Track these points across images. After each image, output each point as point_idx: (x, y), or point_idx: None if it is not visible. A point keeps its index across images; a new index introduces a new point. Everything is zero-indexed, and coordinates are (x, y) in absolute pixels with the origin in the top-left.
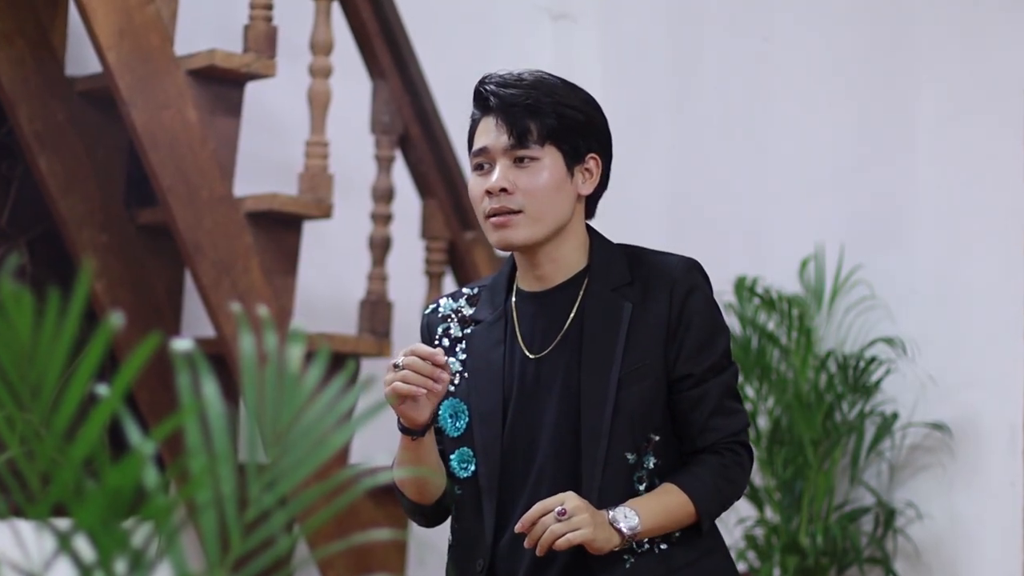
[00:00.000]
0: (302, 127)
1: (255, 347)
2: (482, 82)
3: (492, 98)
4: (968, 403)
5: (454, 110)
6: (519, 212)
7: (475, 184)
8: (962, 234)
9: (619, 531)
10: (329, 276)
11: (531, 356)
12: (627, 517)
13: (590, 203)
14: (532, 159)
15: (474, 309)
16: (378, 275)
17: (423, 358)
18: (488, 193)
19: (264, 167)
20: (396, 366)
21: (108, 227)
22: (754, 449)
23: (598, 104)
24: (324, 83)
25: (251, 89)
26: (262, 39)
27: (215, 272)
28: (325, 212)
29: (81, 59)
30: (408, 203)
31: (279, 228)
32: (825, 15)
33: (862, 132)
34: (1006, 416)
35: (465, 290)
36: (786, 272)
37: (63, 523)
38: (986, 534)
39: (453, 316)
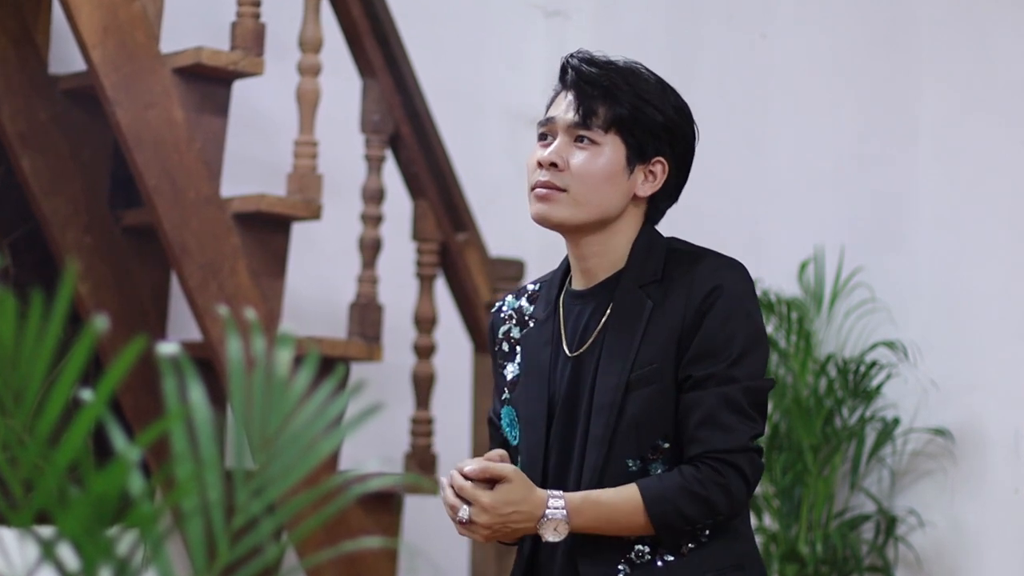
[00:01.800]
0: (290, 126)
1: (242, 351)
2: (570, 55)
3: (571, 72)
4: (971, 408)
5: (446, 109)
6: (563, 191)
7: (533, 154)
8: (965, 236)
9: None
10: (318, 278)
11: (569, 355)
12: (557, 531)
13: (655, 209)
14: (592, 142)
15: (533, 307)
16: (368, 277)
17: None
18: (540, 165)
19: (252, 167)
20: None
21: (92, 228)
22: (754, 470)
23: (690, 115)
24: (313, 81)
25: (238, 88)
26: (250, 36)
27: (201, 274)
28: (314, 213)
29: (65, 57)
30: (399, 204)
31: (267, 229)
32: (824, 11)
33: (862, 131)
34: (1010, 421)
35: (529, 286)
36: (785, 274)
37: (47, 531)
38: (989, 542)
39: (513, 316)
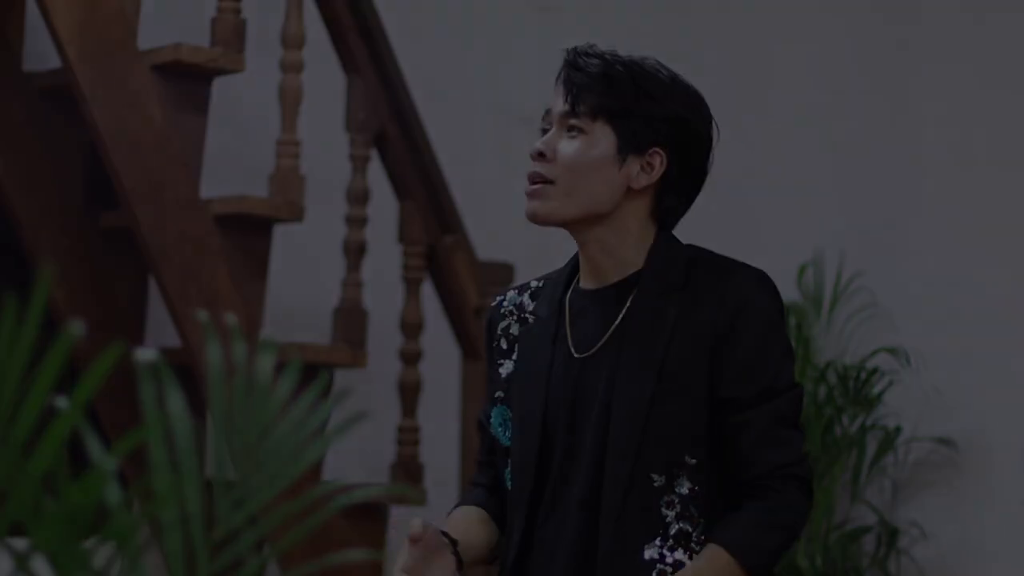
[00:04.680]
0: (273, 125)
1: (223, 357)
2: (570, 48)
3: (565, 64)
4: (975, 416)
5: (433, 107)
6: (551, 183)
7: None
8: (968, 239)
9: None
10: (301, 282)
11: (576, 356)
12: None
13: (663, 210)
14: (581, 131)
15: (535, 304)
16: (353, 281)
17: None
18: (532, 158)
19: (233, 167)
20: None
21: (68, 231)
22: (811, 476)
23: (701, 109)
24: (296, 79)
25: (219, 85)
26: (230, 32)
27: (181, 278)
28: (297, 215)
29: (40, 54)
30: (384, 205)
31: (248, 232)
32: (823, 8)
33: (863, 131)
34: (1016, 429)
35: (533, 282)
36: (783, 278)
37: (20, 543)
38: (995, 555)
39: (514, 312)
